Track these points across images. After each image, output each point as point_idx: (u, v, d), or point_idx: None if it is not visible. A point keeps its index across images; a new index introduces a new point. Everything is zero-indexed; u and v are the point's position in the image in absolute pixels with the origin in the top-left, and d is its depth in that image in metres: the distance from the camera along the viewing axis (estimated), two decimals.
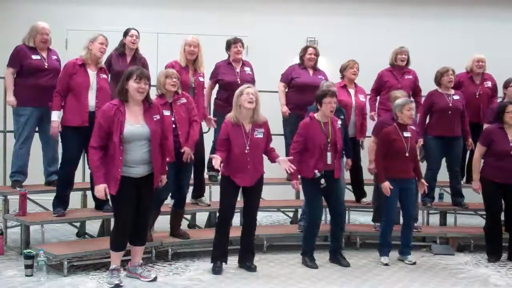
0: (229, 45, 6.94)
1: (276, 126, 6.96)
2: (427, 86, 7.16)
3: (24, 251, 5.48)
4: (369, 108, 7.25)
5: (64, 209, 6.03)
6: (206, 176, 6.78)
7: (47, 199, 6.28)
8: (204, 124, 6.89)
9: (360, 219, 7.71)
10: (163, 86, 5.69)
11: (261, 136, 5.52)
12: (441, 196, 7.70)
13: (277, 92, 7.20)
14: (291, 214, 7.55)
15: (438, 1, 8.91)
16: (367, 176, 6.99)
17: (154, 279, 5.28)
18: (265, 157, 5.67)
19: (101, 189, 4.92)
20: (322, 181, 5.69)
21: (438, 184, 7.23)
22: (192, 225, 6.96)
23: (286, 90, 7.19)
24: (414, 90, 7.19)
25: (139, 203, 5.04)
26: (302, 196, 6.43)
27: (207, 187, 6.94)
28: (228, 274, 5.57)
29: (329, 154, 5.74)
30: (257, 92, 5.49)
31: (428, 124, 7.04)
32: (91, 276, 5.36)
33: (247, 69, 6.99)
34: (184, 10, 8.70)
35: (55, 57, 6.36)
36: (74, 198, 6.39)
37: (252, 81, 6.76)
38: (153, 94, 5.51)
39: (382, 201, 6.09)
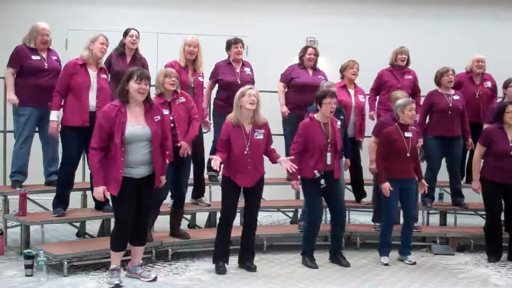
0: (229, 45, 6.93)
1: (276, 126, 6.96)
2: (427, 86, 7.16)
3: (24, 251, 5.49)
4: (368, 108, 7.25)
5: (64, 209, 6.03)
6: (206, 176, 6.78)
7: (47, 199, 6.28)
8: (208, 122, 6.91)
9: (360, 219, 7.72)
10: (162, 85, 5.70)
11: (261, 137, 5.52)
12: (441, 196, 7.70)
13: (277, 92, 7.20)
14: (291, 214, 7.55)
15: (438, 1, 8.91)
16: (367, 176, 7.00)
17: (154, 279, 5.28)
18: (265, 158, 5.67)
19: (100, 191, 4.92)
20: (322, 181, 5.70)
21: (438, 184, 7.23)
22: (192, 225, 6.96)
23: (286, 90, 7.19)
24: (413, 90, 7.19)
25: (140, 203, 5.04)
26: (302, 196, 6.43)
27: (207, 187, 6.94)
28: (228, 274, 5.56)
29: (328, 154, 5.74)
30: (258, 93, 5.49)
31: (428, 124, 7.04)
32: (91, 276, 5.36)
33: (247, 69, 6.99)
34: (184, 10, 8.70)
35: (55, 57, 6.36)
36: (74, 198, 6.39)
37: (252, 81, 6.76)
38: (153, 94, 5.51)
39: (382, 201, 6.10)
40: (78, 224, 6.45)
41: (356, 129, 6.88)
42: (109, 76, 6.30)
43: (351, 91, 6.95)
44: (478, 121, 7.28)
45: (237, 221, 5.76)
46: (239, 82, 6.54)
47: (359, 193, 7.13)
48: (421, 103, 7.16)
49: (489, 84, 7.42)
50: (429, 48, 8.46)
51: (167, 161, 5.37)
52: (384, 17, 8.79)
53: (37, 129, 6.34)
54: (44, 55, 6.25)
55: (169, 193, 6.01)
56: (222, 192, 5.57)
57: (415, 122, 6.43)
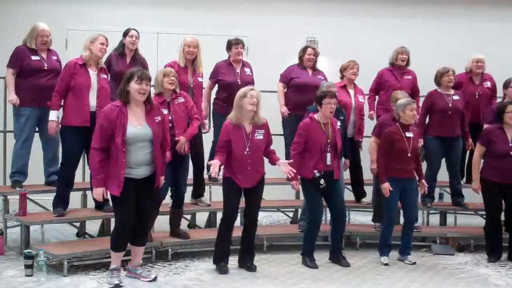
0: (229, 45, 6.93)
1: (276, 126, 6.96)
2: (427, 86, 7.16)
3: (24, 251, 5.49)
4: (367, 107, 7.25)
5: (64, 209, 6.03)
6: (206, 176, 6.77)
7: (47, 199, 6.28)
8: (205, 123, 6.90)
9: (360, 219, 7.71)
10: (161, 84, 5.70)
11: (261, 137, 5.52)
12: (441, 196, 7.71)
13: (276, 92, 7.20)
14: (291, 214, 7.55)
15: (438, 1, 8.91)
16: (367, 176, 7.00)
17: (154, 279, 5.28)
18: (265, 158, 5.67)
19: (99, 192, 4.94)
20: (322, 181, 5.70)
21: (438, 184, 7.22)
22: (192, 225, 6.96)
23: (285, 90, 7.19)
24: (413, 91, 7.18)
25: (140, 203, 5.05)
26: (302, 196, 6.44)
27: (207, 187, 6.94)
28: (228, 274, 5.56)
29: (328, 154, 5.74)
30: (259, 94, 5.49)
31: (428, 124, 7.03)
32: (91, 276, 5.36)
33: (247, 70, 6.99)
34: (184, 10, 8.70)
35: (55, 57, 6.37)
36: (74, 198, 6.39)
37: (252, 82, 6.76)
38: (152, 93, 5.50)
39: (383, 201, 6.10)
40: (78, 224, 6.45)
41: (356, 129, 6.88)
42: (109, 76, 6.30)
43: (351, 91, 6.94)
44: (478, 121, 7.28)
45: (237, 221, 5.76)
46: (239, 83, 6.54)
47: (359, 193, 7.13)
48: (420, 103, 7.15)
49: (488, 84, 7.42)
50: (429, 48, 8.46)
51: (166, 161, 5.37)
52: (384, 17, 8.80)
53: (37, 129, 6.34)
54: (44, 55, 6.25)
55: (169, 193, 6.02)
56: (224, 193, 5.56)
57: (415, 122, 6.43)
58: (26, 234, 5.93)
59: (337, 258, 6.00)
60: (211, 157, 6.02)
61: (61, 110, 5.97)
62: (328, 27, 8.72)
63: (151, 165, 5.04)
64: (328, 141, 5.72)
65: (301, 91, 6.97)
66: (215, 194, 6.94)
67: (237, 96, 5.49)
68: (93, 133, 4.97)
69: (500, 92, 7.40)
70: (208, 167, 5.81)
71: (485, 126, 6.90)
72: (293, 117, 6.87)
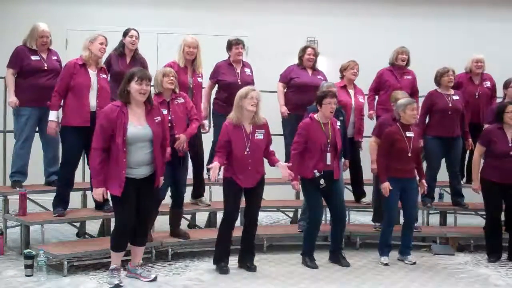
0: (230, 45, 6.92)
1: (276, 126, 6.96)
2: (426, 86, 7.15)
3: (24, 251, 5.49)
4: (367, 107, 7.24)
5: (64, 209, 6.03)
6: (206, 176, 6.76)
7: (47, 199, 6.28)
8: (205, 122, 6.90)
9: (360, 219, 7.72)
10: (161, 84, 5.70)
11: (261, 137, 5.52)
12: (441, 196, 7.71)
13: (276, 92, 7.20)
14: (291, 214, 7.55)
15: (438, 1, 8.91)
16: (367, 176, 7.00)
17: (154, 279, 5.28)
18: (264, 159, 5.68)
19: (99, 193, 4.94)
20: (322, 181, 5.70)
21: (438, 184, 7.23)
22: (192, 225, 6.95)
23: (285, 90, 7.19)
24: (412, 90, 7.18)
25: (140, 203, 5.05)
26: (302, 196, 6.44)
27: (207, 187, 6.94)
28: (228, 274, 5.55)
29: (328, 154, 5.74)
30: (259, 95, 5.49)
31: (428, 124, 7.03)
32: (91, 276, 5.36)
33: (247, 70, 6.98)
34: (184, 10, 8.70)
35: (55, 57, 6.37)
36: (74, 198, 6.39)
37: (252, 82, 6.75)
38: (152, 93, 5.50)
39: (383, 201, 6.10)
40: (78, 224, 6.45)
41: (355, 130, 6.88)
42: (109, 76, 6.30)
43: (351, 92, 6.94)
44: (478, 121, 7.28)
45: (237, 221, 5.76)
46: (240, 83, 6.53)
47: (359, 193, 7.13)
48: (420, 103, 7.15)
49: (488, 84, 7.42)
50: (429, 48, 8.47)
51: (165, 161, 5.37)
52: (384, 17, 8.80)
53: (37, 129, 6.34)
54: (44, 55, 6.26)
55: (169, 193, 6.01)
56: (224, 193, 5.56)
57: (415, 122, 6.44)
58: (26, 234, 5.93)
59: (337, 258, 6.00)
60: (211, 157, 6.02)
61: (61, 110, 5.97)
62: (328, 27, 8.72)
63: (151, 165, 5.04)
64: (328, 141, 5.73)
65: (301, 91, 6.97)
66: (215, 194, 6.94)
67: (238, 96, 5.48)
68: (94, 133, 4.97)
69: (500, 92, 7.41)
70: (208, 169, 5.83)
71: (485, 126, 6.91)
72: (293, 117, 6.87)
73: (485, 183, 6.22)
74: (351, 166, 6.84)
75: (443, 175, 7.18)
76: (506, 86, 7.14)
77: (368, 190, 7.00)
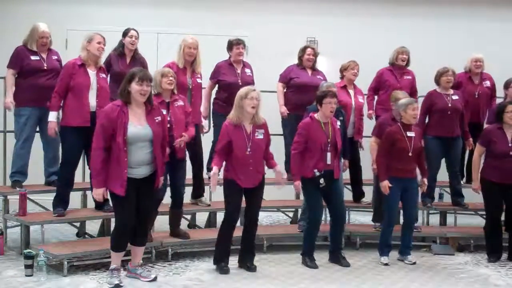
0: (230, 45, 6.92)
1: (276, 126, 6.97)
2: (426, 86, 7.16)
3: (24, 251, 5.49)
4: (366, 107, 7.24)
5: (64, 209, 6.03)
6: (206, 176, 6.76)
7: (47, 199, 6.28)
8: (205, 124, 6.90)
9: (360, 219, 7.72)
10: (159, 85, 5.68)
11: (261, 137, 5.53)
12: (441, 196, 7.70)
13: (276, 92, 7.20)
14: (291, 214, 7.55)
15: (438, 1, 8.91)
16: (366, 176, 7.00)
17: (154, 279, 5.28)
18: None
19: (100, 193, 4.94)
20: (321, 180, 5.70)
21: (438, 184, 7.23)
22: (192, 225, 6.95)
23: (285, 90, 7.19)
24: (411, 91, 7.17)
25: (140, 203, 5.05)
26: (302, 196, 6.43)
27: (207, 187, 6.93)
28: (228, 274, 5.55)
29: (328, 154, 5.74)
30: (260, 95, 5.49)
31: (428, 124, 7.03)
32: (91, 276, 5.36)
33: (247, 70, 6.98)
34: (184, 10, 8.70)
35: (55, 57, 6.36)
36: (74, 198, 6.39)
37: (252, 82, 6.75)
38: None
39: (384, 200, 6.09)
40: (78, 224, 6.45)
41: (355, 130, 6.88)
42: (109, 76, 6.30)
43: (351, 92, 6.94)
44: (478, 121, 7.29)
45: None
46: (240, 83, 6.53)
47: (358, 193, 7.13)
48: (419, 103, 7.14)
49: (488, 83, 7.42)
50: (429, 48, 8.46)
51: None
52: (384, 17, 8.80)
53: (38, 129, 6.34)
54: (44, 55, 6.26)
55: (169, 194, 6.01)
56: (225, 193, 5.54)
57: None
58: (26, 234, 5.93)
59: (337, 258, 6.00)
60: (211, 157, 6.02)
61: (60, 110, 5.96)
62: (328, 27, 8.72)
63: (151, 165, 5.04)
64: (329, 140, 5.73)
65: (300, 91, 6.97)
66: (215, 194, 6.91)
67: (238, 96, 5.48)
68: (94, 133, 4.97)
69: (500, 92, 7.41)
70: (208, 167, 5.85)
71: (485, 126, 6.91)
72: (293, 117, 6.87)
73: (485, 183, 6.23)
74: (351, 166, 6.84)
75: (443, 175, 7.18)
76: (506, 86, 7.15)
77: (368, 190, 7.00)
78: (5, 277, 5.27)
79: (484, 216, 6.55)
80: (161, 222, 6.29)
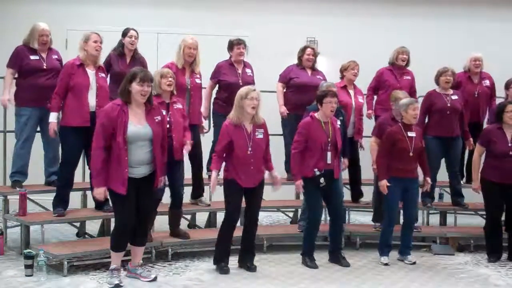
0: (231, 45, 6.91)
1: (276, 126, 6.97)
2: (426, 86, 7.16)
3: (24, 251, 5.49)
4: (365, 107, 7.24)
5: (64, 209, 6.03)
6: (206, 176, 6.75)
7: (47, 199, 6.28)
8: (206, 124, 6.90)
9: (360, 219, 7.72)
10: (159, 86, 5.67)
11: (261, 136, 5.53)
12: (441, 196, 7.70)
13: (276, 92, 7.20)
14: (291, 214, 7.55)
15: (438, 1, 8.91)
16: (366, 176, 7.01)
17: (154, 279, 5.28)
18: None
19: (101, 192, 4.93)
20: (322, 180, 5.70)
21: (438, 184, 7.21)
22: (192, 225, 6.95)
23: (284, 90, 7.18)
24: (410, 91, 7.16)
25: (139, 203, 5.05)
26: (302, 196, 6.43)
27: (207, 187, 6.92)
28: (228, 274, 5.56)
29: (329, 153, 5.74)
30: (260, 95, 5.49)
31: (427, 124, 7.03)
32: (91, 276, 5.36)
33: (248, 70, 6.98)
34: (184, 10, 8.70)
35: (55, 56, 6.35)
36: (74, 198, 6.39)
37: (252, 82, 6.74)
38: None
39: (384, 200, 6.09)
40: (78, 224, 6.45)
41: (355, 130, 6.88)
42: (109, 76, 6.30)
43: (351, 92, 6.94)
44: (477, 120, 7.30)
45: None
46: (241, 83, 6.51)
47: (357, 193, 7.12)
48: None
49: (487, 82, 7.42)
50: (428, 48, 8.46)
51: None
52: (384, 17, 8.79)
53: (39, 129, 6.33)
54: (44, 54, 6.25)
55: (168, 193, 6.01)
56: (225, 194, 5.54)
57: None
58: (26, 234, 5.93)
59: (337, 258, 6.00)
60: (211, 157, 6.00)
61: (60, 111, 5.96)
62: (328, 27, 8.71)
63: (151, 165, 5.04)
64: (329, 140, 5.73)
65: (300, 91, 6.97)
66: (215, 194, 6.91)
67: (238, 96, 5.48)
68: (94, 132, 4.96)
69: (500, 92, 7.41)
70: (208, 167, 5.84)
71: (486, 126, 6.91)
72: (293, 117, 6.87)
73: (485, 183, 6.23)
74: (350, 166, 6.85)
75: (443, 175, 7.18)
76: (507, 86, 7.15)
77: (368, 190, 7.00)
78: (5, 277, 5.27)
79: (484, 216, 6.55)
80: (161, 222, 6.28)
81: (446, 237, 6.79)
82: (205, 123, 6.87)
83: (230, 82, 6.76)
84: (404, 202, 6.09)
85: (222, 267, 5.58)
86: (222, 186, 5.59)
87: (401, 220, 6.37)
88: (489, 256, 6.28)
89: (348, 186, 7.11)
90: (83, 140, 5.83)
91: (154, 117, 5.05)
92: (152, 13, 8.62)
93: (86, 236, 6.49)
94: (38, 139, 6.38)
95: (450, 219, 7.39)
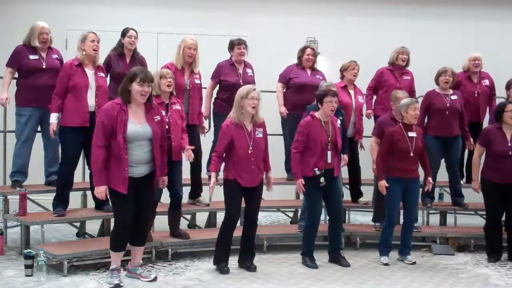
0: (232, 45, 6.91)
1: (276, 127, 6.97)
2: (426, 86, 7.16)
3: (24, 251, 5.48)
4: (365, 106, 7.24)
5: (64, 209, 6.03)
6: (205, 176, 6.75)
7: (47, 199, 6.28)
8: (206, 124, 6.89)
9: (360, 219, 7.72)
10: (158, 87, 5.67)
11: (261, 135, 5.54)
12: (441, 196, 7.71)
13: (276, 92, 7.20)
14: (291, 214, 7.55)
15: (438, 1, 8.91)
16: (366, 176, 7.00)
17: (154, 279, 5.28)
18: None
19: (102, 191, 4.92)
20: (322, 179, 5.70)
21: (438, 184, 7.21)
22: (192, 225, 6.95)
23: (284, 90, 7.18)
24: (410, 91, 7.16)
25: (139, 203, 5.05)
26: (301, 196, 6.43)
27: (206, 187, 6.92)
28: (228, 274, 5.56)
29: (329, 153, 5.74)
30: (260, 94, 5.49)
31: (427, 124, 7.03)
32: (91, 276, 5.36)
33: (249, 70, 6.98)
34: (184, 10, 8.70)
35: (55, 56, 6.35)
36: (74, 198, 6.39)
37: (253, 82, 6.74)
38: None
39: (385, 201, 6.08)
40: (78, 224, 6.45)
41: (356, 130, 6.88)
42: (109, 77, 6.30)
43: (351, 92, 6.94)
44: (477, 120, 7.30)
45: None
46: (242, 84, 6.50)
47: (356, 193, 7.12)
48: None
49: (487, 82, 7.41)
50: (428, 48, 8.47)
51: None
52: (384, 17, 8.80)
53: (39, 129, 6.33)
54: (44, 54, 6.25)
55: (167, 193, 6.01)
56: (226, 195, 5.53)
57: None
58: (26, 234, 5.92)
59: (337, 258, 6.00)
60: (211, 157, 6.00)
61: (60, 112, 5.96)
62: (328, 27, 8.72)
63: (150, 164, 5.04)
64: (329, 139, 5.73)
65: (300, 91, 6.98)
66: (215, 194, 6.88)
67: (238, 95, 5.47)
68: (94, 132, 4.96)
69: (500, 92, 7.41)
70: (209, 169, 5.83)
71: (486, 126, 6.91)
72: (292, 117, 6.87)
73: (485, 183, 6.23)
74: (350, 166, 6.84)
75: (443, 175, 7.18)
76: (508, 87, 7.16)
77: (368, 190, 6.99)
78: (5, 277, 5.27)
79: (484, 216, 6.56)
80: (161, 222, 6.28)
81: (446, 237, 6.79)
82: (205, 123, 6.87)
83: (231, 82, 6.76)
84: (404, 203, 6.08)
85: (222, 267, 5.58)
86: (222, 186, 5.59)
87: (401, 220, 6.36)
88: (489, 256, 6.28)
89: (347, 186, 7.11)
90: (82, 140, 5.82)
91: (153, 117, 5.06)
92: (152, 13, 8.62)
93: (86, 236, 6.49)
94: (38, 139, 6.38)
95: (450, 219, 7.38)
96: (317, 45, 8.23)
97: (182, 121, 5.82)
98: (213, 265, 5.68)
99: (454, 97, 6.97)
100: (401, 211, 6.39)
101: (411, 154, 5.93)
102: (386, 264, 6.01)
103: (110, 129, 4.86)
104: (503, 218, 6.27)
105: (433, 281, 5.58)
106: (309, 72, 7.11)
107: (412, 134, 5.97)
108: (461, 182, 7.29)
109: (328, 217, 6.07)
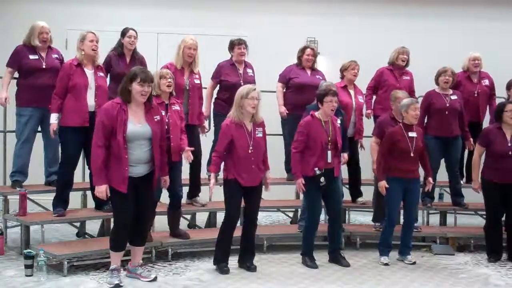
0: (232, 45, 6.91)
1: (276, 127, 6.97)
2: (426, 86, 7.16)
3: (24, 251, 5.49)
4: (365, 106, 7.24)
5: (64, 209, 6.03)
6: (205, 176, 6.75)
7: (47, 199, 6.28)
8: (206, 124, 6.89)
9: (360, 219, 7.72)
10: (158, 87, 5.67)
11: (261, 135, 5.55)
12: (441, 196, 7.71)
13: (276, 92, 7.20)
14: (291, 214, 7.55)
15: (438, 1, 8.91)
16: (366, 176, 7.00)
17: (154, 279, 5.28)
18: None
19: (103, 190, 4.92)
20: (322, 179, 5.70)
21: (438, 184, 7.21)
22: (192, 225, 6.95)
23: (284, 90, 7.18)
24: (409, 91, 7.15)
25: (139, 203, 5.05)
26: (301, 196, 6.43)
27: (205, 187, 6.91)
28: (228, 274, 5.56)
29: (329, 152, 5.74)
30: (260, 94, 5.49)
31: (427, 124, 7.03)
32: (91, 276, 5.36)
33: (249, 70, 6.99)
34: (184, 10, 8.70)
35: (55, 55, 6.34)
36: (74, 198, 6.39)
37: (253, 83, 6.72)
38: None
39: (386, 201, 6.08)
40: (78, 224, 6.45)
41: (356, 130, 6.88)
42: (109, 77, 6.30)
43: (351, 92, 6.94)
44: (477, 120, 7.30)
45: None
46: (242, 84, 6.49)
47: (356, 193, 7.12)
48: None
49: (486, 82, 7.42)
50: (428, 48, 8.47)
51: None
52: (384, 17, 8.80)
53: (39, 129, 6.33)
54: (43, 54, 6.25)
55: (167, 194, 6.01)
56: (227, 194, 5.53)
57: None
58: (26, 234, 5.92)
59: (337, 258, 6.00)
60: (211, 157, 6.01)
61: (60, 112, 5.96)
62: (328, 27, 8.72)
63: (149, 164, 5.04)
64: (329, 139, 5.73)
65: (299, 91, 6.98)
66: (215, 194, 6.89)
67: (238, 95, 5.47)
68: (94, 132, 4.96)
69: (500, 92, 7.41)
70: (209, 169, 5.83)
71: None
72: (292, 117, 6.87)
73: (485, 183, 6.23)
74: (350, 166, 6.84)
75: (443, 175, 7.18)
76: (509, 87, 7.16)
77: (368, 190, 6.99)
78: (5, 277, 5.27)
79: (484, 216, 6.56)
80: (161, 222, 6.28)
81: (446, 237, 6.80)
82: (205, 123, 6.87)
83: (231, 82, 6.75)
84: (404, 203, 6.08)
85: (222, 267, 5.58)
86: (222, 186, 5.59)
87: (401, 220, 6.36)
88: (489, 256, 6.28)
89: (347, 186, 7.11)
90: (82, 140, 5.82)
91: (153, 117, 5.06)
92: (152, 13, 8.62)
93: (86, 236, 6.49)
94: (38, 139, 6.38)
95: (450, 219, 7.38)
96: (317, 45, 8.23)
97: (181, 121, 5.82)
98: (213, 265, 5.68)
99: (454, 97, 6.97)
100: (401, 211, 6.39)
101: (412, 154, 5.93)
102: (386, 264, 6.01)
103: (110, 129, 4.86)
104: (503, 218, 6.28)
105: (433, 281, 5.58)
106: (309, 72, 7.11)
107: (412, 134, 5.97)
108: (461, 182, 7.29)
109: (328, 217, 6.07)
